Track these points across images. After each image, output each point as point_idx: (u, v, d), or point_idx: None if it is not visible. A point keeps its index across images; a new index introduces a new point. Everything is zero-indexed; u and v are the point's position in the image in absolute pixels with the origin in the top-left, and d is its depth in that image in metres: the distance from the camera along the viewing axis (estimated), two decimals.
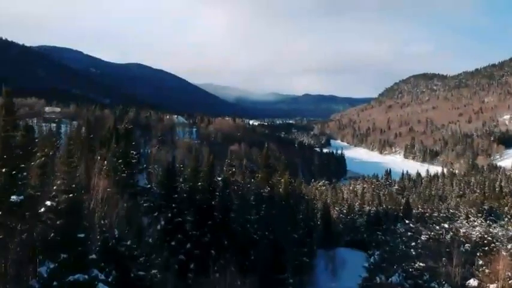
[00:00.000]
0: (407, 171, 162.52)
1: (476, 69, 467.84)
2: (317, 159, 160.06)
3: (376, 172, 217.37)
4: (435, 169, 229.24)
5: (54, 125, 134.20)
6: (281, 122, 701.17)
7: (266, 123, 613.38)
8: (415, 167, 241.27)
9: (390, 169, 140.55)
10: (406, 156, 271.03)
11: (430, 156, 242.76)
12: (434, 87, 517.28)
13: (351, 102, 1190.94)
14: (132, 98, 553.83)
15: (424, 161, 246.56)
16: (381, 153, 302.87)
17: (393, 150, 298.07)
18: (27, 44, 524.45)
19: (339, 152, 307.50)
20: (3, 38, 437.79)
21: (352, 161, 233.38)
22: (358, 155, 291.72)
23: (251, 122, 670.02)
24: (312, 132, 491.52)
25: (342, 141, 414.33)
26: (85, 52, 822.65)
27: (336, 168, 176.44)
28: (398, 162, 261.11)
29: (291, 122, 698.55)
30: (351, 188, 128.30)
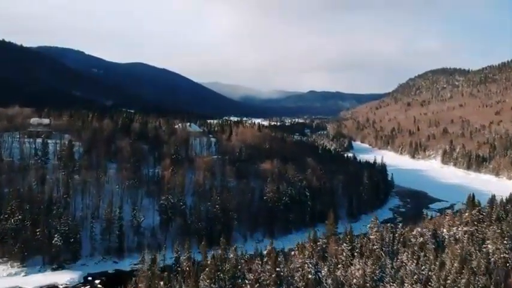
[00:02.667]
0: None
1: (503, 63, 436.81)
2: (365, 175, 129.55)
3: (420, 181, 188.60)
4: (486, 178, 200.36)
5: (41, 140, 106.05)
6: (290, 121, 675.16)
7: (277, 123, 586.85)
8: (461, 175, 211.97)
9: (473, 194, 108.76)
10: (444, 162, 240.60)
11: (477, 162, 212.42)
12: (456, 83, 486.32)
13: (358, 98, 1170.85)
14: (136, 99, 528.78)
15: (468, 168, 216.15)
16: (412, 157, 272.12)
17: (427, 154, 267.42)
18: (26, 45, 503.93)
19: (363, 156, 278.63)
20: (1, 39, 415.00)
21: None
22: (387, 160, 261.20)
23: (258, 120, 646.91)
24: (325, 132, 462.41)
25: (362, 142, 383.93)
26: (87, 52, 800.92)
27: (385, 186, 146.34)
28: (438, 170, 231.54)
29: (301, 121, 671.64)
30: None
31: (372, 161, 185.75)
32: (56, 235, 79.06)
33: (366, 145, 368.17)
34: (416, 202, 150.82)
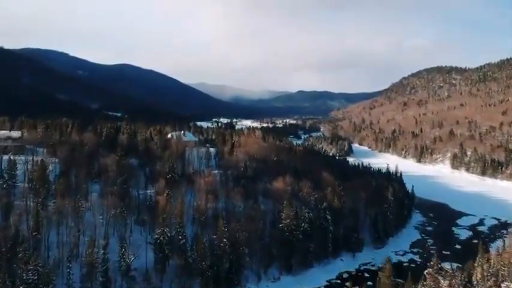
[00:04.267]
0: None
1: (502, 61, 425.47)
2: (390, 190, 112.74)
3: (434, 189, 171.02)
4: (505, 185, 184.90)
5: (7, 157, 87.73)
6: (282, 122, 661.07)
7: (268, 125, 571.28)
8: (476, 181, 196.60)
9: None
10: (455, 167, 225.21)
11: (493, 168, 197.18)
12: (453, 82, 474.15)
13: (347, 98, 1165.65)
14: (123, 101, 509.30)
15: (483, 173, 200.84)
16: (418, 161, 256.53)
17: (434, 158, 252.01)
18: (8, 47, 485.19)
19: (365, 160, 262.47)
20: None
21: None
22: (391, 164, 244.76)
23: (248, 122, 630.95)
24: (321, 135, 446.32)
25: (361, 144, 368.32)
26: (71, 54, 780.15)
27: (408, 201, 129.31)
28: (449, 175, 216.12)
29: (292, 122, 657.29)
30: None
31: (377, 166, 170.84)
32: (21, 287, 61.03)
33: (365, 147, 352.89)
34: (441, 217, 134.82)
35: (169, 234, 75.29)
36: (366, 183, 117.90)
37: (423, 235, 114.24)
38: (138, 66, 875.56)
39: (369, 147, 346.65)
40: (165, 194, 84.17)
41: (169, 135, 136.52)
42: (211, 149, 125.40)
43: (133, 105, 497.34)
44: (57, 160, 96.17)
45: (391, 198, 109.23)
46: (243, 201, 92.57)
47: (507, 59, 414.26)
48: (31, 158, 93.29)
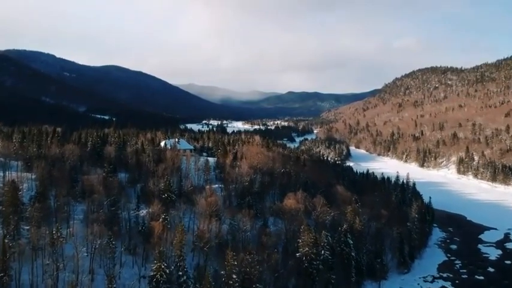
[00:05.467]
0: None
1: (499, 61, 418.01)
2: (413, 206, 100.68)
3: (444, 197, 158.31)
4: None
5: None
6: (273, 123, 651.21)
7: (260, 127, 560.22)
8: (487, 188, 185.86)
9: None
10: (461, 172, 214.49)
11: (504, 173, 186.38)
12: (449, 82, 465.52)
13: (337, 98, 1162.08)
14: (110, 103, 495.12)
15: (493, 180, 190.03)
16: (421, 166, 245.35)
17: (437, 162, 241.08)
18: None
19: (365, 165, 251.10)
20: None
21: None
22: (392, 169, 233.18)
23: (239, 124, 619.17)
24: (316, 138, 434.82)
25: (357, 147, 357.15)
26: (57, 55, 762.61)
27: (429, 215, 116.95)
28: (456, 181, 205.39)
29: (284, 123, 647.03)
30: None
31: (379, 171, 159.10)
32: None
33: (362, 151, 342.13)
34: (461, 232, 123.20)
35: (167, 271, 62.38)
36: (386, 197, 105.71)
37: (448, 255, 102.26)
38: (127, 67, 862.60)
39: (367, 151, 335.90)
40: (160, 220, 71.10)
41: (162, 144, 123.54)
42: (210, 159, 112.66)
43: (121, 107, 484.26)
44: (33, 176, 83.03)
45: (416, 215, 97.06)
46: (250, 222, 79.71)
47: (504, 59, 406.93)
48: (2, 175, 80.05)
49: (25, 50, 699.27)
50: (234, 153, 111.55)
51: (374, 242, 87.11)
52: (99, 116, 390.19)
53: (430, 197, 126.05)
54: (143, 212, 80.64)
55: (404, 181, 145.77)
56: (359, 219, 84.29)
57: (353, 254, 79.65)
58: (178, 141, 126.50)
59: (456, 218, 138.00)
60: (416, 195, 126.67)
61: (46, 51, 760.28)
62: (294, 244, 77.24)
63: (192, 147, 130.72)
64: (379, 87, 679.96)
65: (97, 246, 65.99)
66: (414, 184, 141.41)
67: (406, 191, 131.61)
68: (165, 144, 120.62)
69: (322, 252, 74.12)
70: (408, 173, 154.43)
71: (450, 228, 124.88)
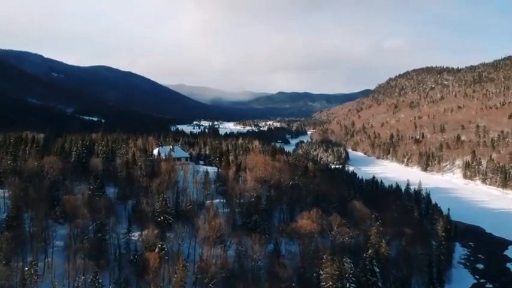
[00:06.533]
0: None
1: (496, 61, 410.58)
2: (439, 224, 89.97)
3: (455, 206, 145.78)
4: None
5: None
6: (265, 124, 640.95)
7: (252, 128, 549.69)
8: (498, 195, 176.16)
9: None
10: (468, 177, 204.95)
11: None
12: (446, 82, 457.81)
13: (327, 98, 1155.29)
14: (99, 104, 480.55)
15: (504, 186, 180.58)
16: (424, 170, 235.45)
17: (441, 166, 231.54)
18: None
19: (365, 169, 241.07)
20: None
21: None
22: (392, 173, 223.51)
23: (231, 124, 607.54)
24: (311, 140, 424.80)
25: (355, 150, 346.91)
26: (45, 55, 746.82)
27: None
28: (463, 187, 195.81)
29: (276, 124, 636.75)
30: None
31: (380, 176, 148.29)
32: None
33: (360, 153, 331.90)
34: (483, 247, 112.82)
35: None
36: (403, 210, 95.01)
37: (476, 277, 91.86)
38: (116, 68, 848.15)
39: (365, 153, 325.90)
40: (156, 250, 59.67)
41: (155, 152, 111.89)
42: (210, 169, 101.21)
43: (110, 108, 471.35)
44: (6, 194, 71.21)
45: (443, 234, 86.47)
46: (260, 249, 68.42)
47: (502, 59, 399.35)
48: None
49: (12, 50, 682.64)
50: (237, 164, 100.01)
51: (399, 267, 76.29)
52: (87, 118, 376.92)
53: (448, 209, 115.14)
54: (135, 236, 69.21)
55: (416, 189, 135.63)
56: (385, 243, 73.36)
57: (380, 284, 68.84)
58: (172, 149, 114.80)
59: (474, 230, 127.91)
60: (434, 207, 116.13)
61: (34, 52, 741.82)
62: (312, 273, 66.44)
63: (187, 155, 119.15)
64: (370, 87, 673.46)
65: (80, 284, 54.54)
66: (429, 194, 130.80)
67: (421, 201, 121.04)
68: (159, 152, 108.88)
69: (348, 285, 63.19)
70: (420, 181, 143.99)
71: (471, 243, 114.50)
